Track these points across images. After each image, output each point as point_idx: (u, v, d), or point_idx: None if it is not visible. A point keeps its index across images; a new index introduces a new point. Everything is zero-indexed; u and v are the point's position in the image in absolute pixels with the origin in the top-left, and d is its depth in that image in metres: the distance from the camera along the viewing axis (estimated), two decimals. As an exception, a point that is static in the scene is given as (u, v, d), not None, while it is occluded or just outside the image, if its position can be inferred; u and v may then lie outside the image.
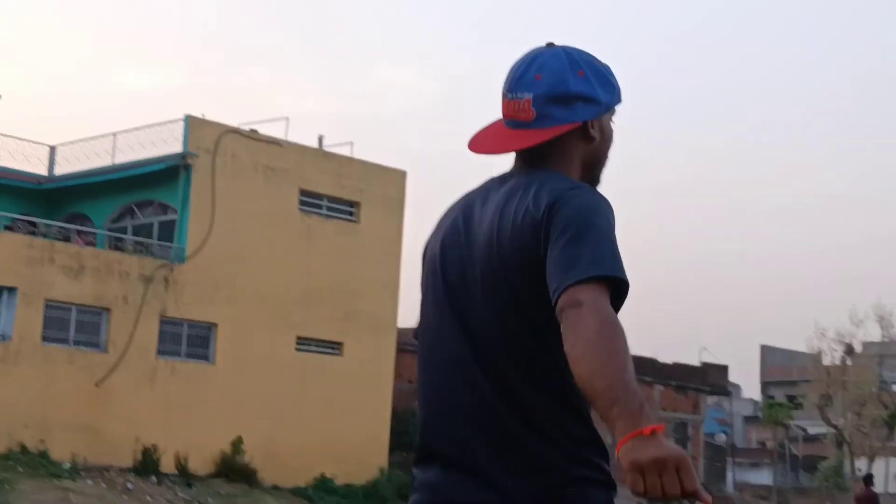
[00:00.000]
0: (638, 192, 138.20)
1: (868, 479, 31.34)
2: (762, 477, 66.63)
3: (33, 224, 32.91)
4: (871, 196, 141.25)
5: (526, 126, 3.16)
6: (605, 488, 2.96)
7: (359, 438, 33.01)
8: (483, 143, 3.29)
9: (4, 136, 36.86)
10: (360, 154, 38.13)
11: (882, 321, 64.54)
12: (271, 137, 35.68)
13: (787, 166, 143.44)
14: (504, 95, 3.23)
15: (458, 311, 3.14)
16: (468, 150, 3.33)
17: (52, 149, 37.48)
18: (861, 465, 59.79)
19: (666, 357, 51.69)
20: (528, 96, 3.15)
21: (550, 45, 3.27)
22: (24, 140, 37.71)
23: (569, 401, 3.03)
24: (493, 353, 3.07)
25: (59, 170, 37.12)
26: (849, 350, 64.76)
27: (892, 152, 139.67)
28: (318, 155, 36.96)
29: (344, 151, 37.83)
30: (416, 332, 3.39)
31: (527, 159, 3.20)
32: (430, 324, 3.24)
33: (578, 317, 2.76)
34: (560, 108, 3.15)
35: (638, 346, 52.21)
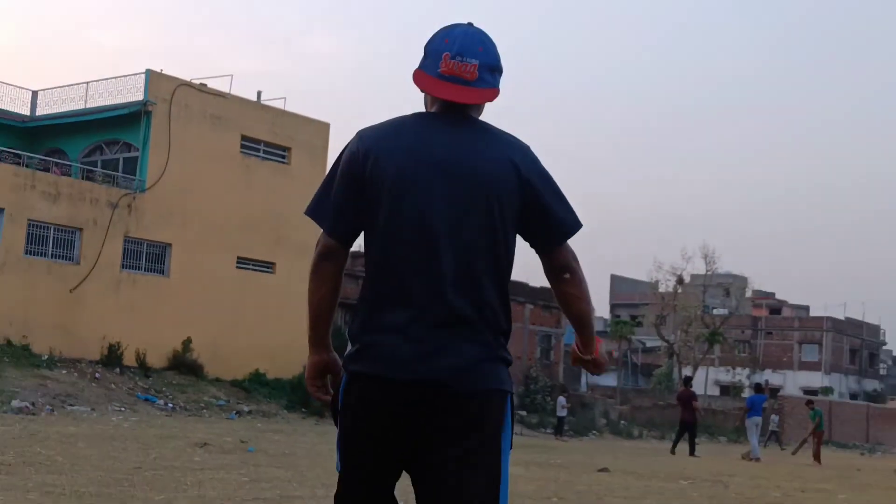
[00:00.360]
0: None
1: (687, 380, 32.02)
2: (609, 380, 65.39)
3: (18, 156, 32.03)
4: (701, 149, 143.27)
5: (467, 84, 3.22)
6: (508, 366, 3.22)
7: (286, 340, 32.53)
8: (437, 88, 3.25)
9: (-4, 82, 35.97)
10: (291, 107, 37.89)
11: (706, 258, 65.35)
12: (218, 91, 35.36)
13: (633, 107, 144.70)
14: (453, 57, 3.22)
15: (441, 219, 3.14)
16: (426, 92, 3.32)
17: (35, 93, 36.69)
18: (687, 371, 60.65)
19: (535, 282, 50.70)
20: (475, 62, 3.21)
21: (470, 24, 3.33)
22: (11, 85, 36.82)
23: (507, 303, 3.26)
24: (478, 262, 3.15)
25: (40, 111, 36.27)
26: (679, 280, 65.28)
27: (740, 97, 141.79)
28: (257, 107, 36.66)
29: (278, 105, 37.56)
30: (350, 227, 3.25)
31: (459, 108, 3.26)
32: (412, 222, 3.14)
33: (580, 275, 3.31)
34: (491, 75, 3.26)
35: (514, 272, 52.77)
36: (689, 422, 28.18)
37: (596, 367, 3.53)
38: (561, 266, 3.28)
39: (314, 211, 3.29)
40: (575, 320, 3.39)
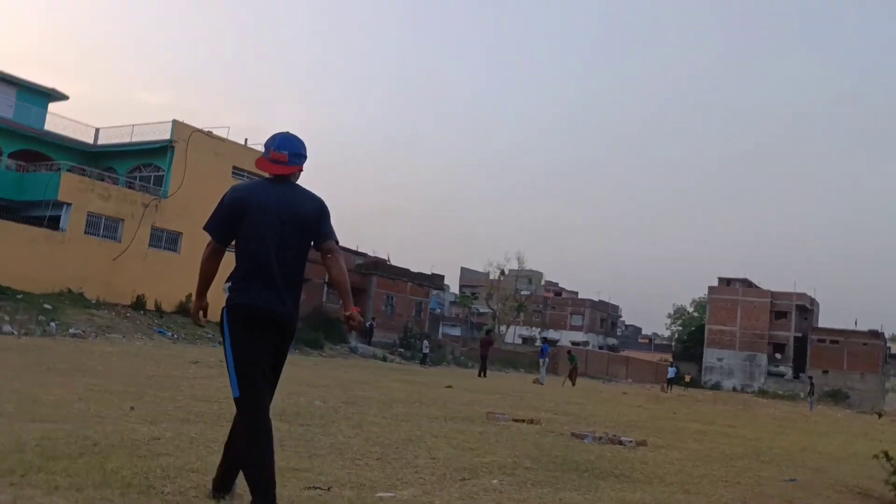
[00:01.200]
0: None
1: (488, 331, 32.77)
2: (457, 331, 66.57)
3: (83, 170, 30.64)
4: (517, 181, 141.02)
5: (284, 164, 3.54)
6: (297, 310, 3.59)
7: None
8: (270, 168, 3.57)
9: (71, 120, 34.16)
10: (266, 150, 36.30)
11: (518, 259, 65.97)
12: (219, 136, 33.60)
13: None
14: (276, 150, 3.55)
15: (279, 234, 3.50)
16: (265, 171, 3.57)
17: (97, 129, 34.71)
18: (504, 328, 61.76)
19: (415, 268, 51.08)
20: (286, 152, 3.54)
21: (287, 131, 3.62)
22: (82, 123, 34.87)
23: (303, 276, 3.65)
24: (292, 254, 3.53)
25: (101, 141, 34.34)
26: (502, 272, 65.94)
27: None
28: (244, 148, 34.77)
29: (259, 148, 35.40)
30: (235, 233, 3.60)
31: (281, 176, 3.56)
32: (263, 233, 3.50)
33: (339, 256, 3.59)
34: (297, 158, 3.57)
35: (399, 261, 51.46)
36: (484, 356, 28.32)
37: (351, 321, 3.60)
38: (327, 250, 3.59)
39: (210, 229, 3.66)
40: (336, 285, 3.61)
